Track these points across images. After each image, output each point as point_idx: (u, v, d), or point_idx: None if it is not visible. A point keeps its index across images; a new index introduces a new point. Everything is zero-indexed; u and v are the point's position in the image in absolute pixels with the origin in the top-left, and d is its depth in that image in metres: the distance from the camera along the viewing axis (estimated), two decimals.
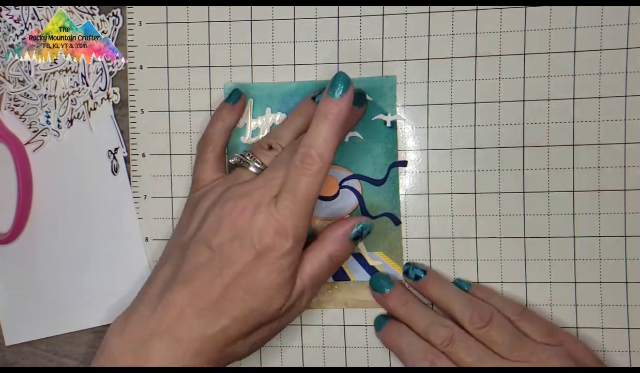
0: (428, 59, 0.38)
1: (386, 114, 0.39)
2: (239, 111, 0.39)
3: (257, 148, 0.36)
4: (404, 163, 0.39)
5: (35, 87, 0.40)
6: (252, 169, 0.35)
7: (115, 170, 0.40)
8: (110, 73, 0.40)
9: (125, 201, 0.41)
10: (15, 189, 0.40)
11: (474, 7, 0.38)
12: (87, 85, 0.40)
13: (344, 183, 0.39)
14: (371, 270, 0.39)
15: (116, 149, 0.40)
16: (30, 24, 0.40)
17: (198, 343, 0.32)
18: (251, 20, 0.39)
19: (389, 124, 0.39)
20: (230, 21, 0.39)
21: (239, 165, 0.36)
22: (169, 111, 0.40)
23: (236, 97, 0.38)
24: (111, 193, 0.41)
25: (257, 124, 0.39)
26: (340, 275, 0.39)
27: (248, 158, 0.36)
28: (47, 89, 0.40)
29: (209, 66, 0.40)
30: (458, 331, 0.35)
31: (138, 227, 0.41)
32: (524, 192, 0.38)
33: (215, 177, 0.37)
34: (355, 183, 0.39)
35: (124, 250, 0.41)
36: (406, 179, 0.39)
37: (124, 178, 0.41)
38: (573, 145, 0.38)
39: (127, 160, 0.41)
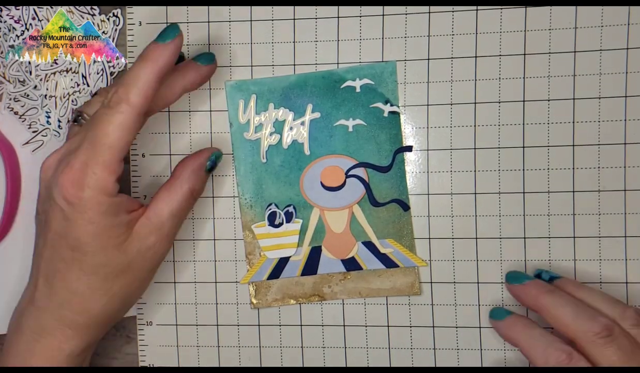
0: (428, 59, 0.38)
1: (386, 103, 0.39)
2: (174, 50, 0.32)
3: (88, 102, 0.35)
4: (409, 148, 0.39)
5: (35, 87, 0.40)
6: (76, 124, 0.34)
7: None
8: (111, 73, 0.40)
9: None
10: (4, 193, 0.40)
11: (474, 7, 0.38)
12: (88, 85, 0.40)
13: (350, 172, 0.39)
14: (383, 257, 0.39)
15: None
16: (30, 24, 0.40)
17: (58, 312, 0.32)
18: (251, 21, 0.39)
19: (386, 114, 0.38)
20: (230, 21, 0.39)
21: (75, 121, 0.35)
22: (168, 111, 0.40)
23: (172, 34, 0.32)
24: None
25: (260, 120, 0.39)
26: (352, 265, 0.39)
27: (76, 114, 0.34)
28: (47, 89, 0.40)
29: None
30: (617, 325, 0.32)
31: None
32: (524, 192, 0.38)
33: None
34: (361, 172, 0.39)
35: None
36: (406, 179, 0.39)
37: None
38: (573, 145, 0.38)
39: (127, 159, 0.41)
